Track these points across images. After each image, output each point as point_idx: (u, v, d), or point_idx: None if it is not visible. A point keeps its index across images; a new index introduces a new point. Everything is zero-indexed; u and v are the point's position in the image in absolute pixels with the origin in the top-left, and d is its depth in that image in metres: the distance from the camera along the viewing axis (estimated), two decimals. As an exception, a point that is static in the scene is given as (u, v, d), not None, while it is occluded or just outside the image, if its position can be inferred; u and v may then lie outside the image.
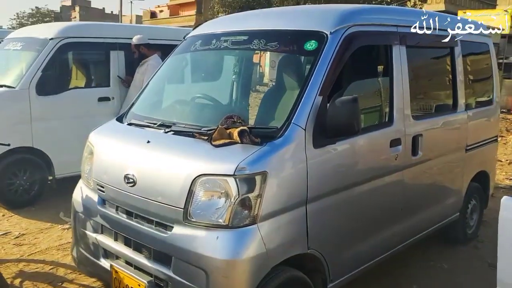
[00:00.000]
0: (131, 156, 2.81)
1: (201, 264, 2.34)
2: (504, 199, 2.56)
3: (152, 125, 2.97)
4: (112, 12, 73.21)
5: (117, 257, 2.84)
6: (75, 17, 64.08)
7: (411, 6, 20.10)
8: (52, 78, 5.24)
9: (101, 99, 5.66)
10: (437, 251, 4.26)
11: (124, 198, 2.75)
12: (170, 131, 2.81)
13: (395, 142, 3.17)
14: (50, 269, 3.76)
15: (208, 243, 2.35)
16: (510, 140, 10.18)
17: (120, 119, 3.32)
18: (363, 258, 3.10)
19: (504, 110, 14.97)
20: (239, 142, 2.48)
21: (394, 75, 3.20)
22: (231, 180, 2.34)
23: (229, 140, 2.51)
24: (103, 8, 75.60)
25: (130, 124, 3.16)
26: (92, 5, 75.42)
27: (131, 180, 2.69)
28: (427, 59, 3.96)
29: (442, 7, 26.01)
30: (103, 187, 2.92)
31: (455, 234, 4.36)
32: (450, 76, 3.95)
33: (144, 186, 2.64)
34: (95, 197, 3.00)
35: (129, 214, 2.77)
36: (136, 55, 5.79)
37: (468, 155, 4.12)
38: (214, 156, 2.46)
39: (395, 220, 3.34)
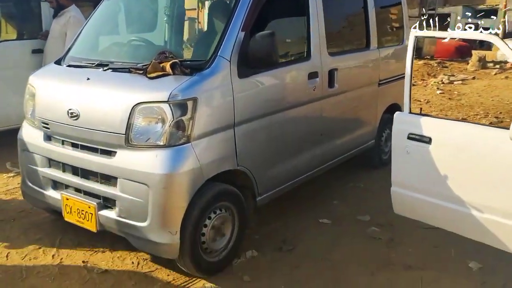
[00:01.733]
0: (72, 92, 3.05)
1: (143, 180, 2.69)
2: (396, 114, 3.07)
3: (91, 65, 3.20)
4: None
5: (67, 186, 3.13)
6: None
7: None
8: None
9: (34, 51, 5.65)
10: (356, 174, 4.87)
11: (69, 131, 3.01)
12: (108, 69, 3.08)
13: (312, 75, 3.60)
14: None
15: (149, 161, 2.70)
16: (430, 82, 11.10)
17: (58, 62, 3.51)
18: (287, 176, 3.57)
19: (427, 57, 16.05)
20: (172, 73, 2.80)
21: (311, 15, 3.59)
22: (165, 106, 2.67)
23: (162, 73, 2.82)
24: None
25: (69, 66, 3.37)
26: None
27: (74, 114, 2.94)
28: (343, 3, 4.37)
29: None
30: (47, 124, 3.14)
31: (372, 159, 4.97)
32: (364, 18, 4.40)
33: (87, 118, 2.91)
34: (40, 135, 3.23)
35: (74, 145, 3.04)
36: (53, 5, 5.63)
37: (380, 89, 4.67)
38: (150, 86, 2.78)
39: (315, 144, 3.83)
